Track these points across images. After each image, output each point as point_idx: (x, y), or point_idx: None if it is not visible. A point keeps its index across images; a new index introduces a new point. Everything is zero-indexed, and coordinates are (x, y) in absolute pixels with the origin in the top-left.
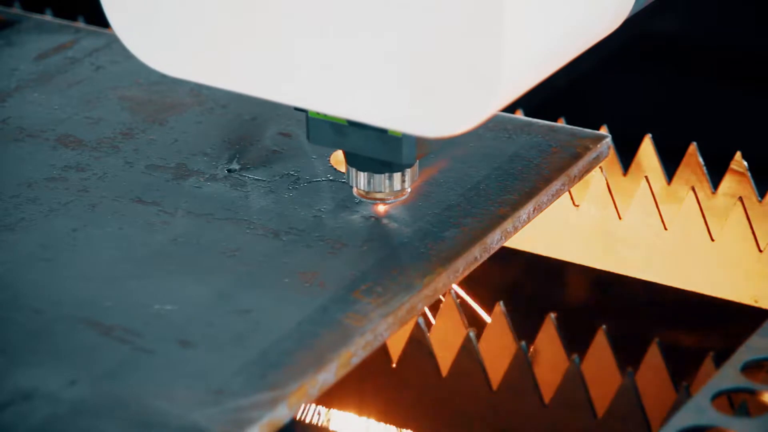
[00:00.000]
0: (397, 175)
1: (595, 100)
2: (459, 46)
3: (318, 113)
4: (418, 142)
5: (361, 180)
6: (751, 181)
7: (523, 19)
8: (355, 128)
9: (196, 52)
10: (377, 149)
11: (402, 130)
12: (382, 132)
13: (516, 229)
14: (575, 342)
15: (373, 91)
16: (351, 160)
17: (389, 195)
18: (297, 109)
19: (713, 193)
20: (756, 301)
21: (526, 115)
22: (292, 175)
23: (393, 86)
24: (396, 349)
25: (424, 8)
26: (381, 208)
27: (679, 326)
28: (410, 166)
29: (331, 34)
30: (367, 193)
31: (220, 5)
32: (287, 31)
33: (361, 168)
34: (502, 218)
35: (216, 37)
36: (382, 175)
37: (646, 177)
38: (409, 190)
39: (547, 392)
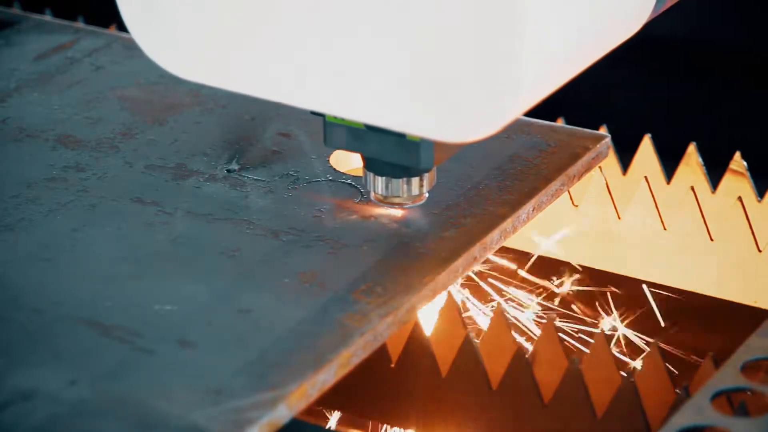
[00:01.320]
0: (415, 180)
1: (594, 100)
2: (478, 50)
3: (335, 117)
4: (438, 148)
5: (378, 184)
6: (751, 180)
7: (544, 24)
8: (373, 133)
9: (214, 55)
10: (395, 154)
11: (421, 135)
12: (400, 136)
13: (515, 229)
14: (575, 342)
15: (391, 96)
16: (368, 164)
17: (407, 200)
18: (314, 113)
19: (713, 192)
20: (756, 302)
21: (526, 114)
22: (291, 175)
23: (412, 90)
24: (396, 349)
25: (443, 12)
26: (398, 214)
27: (679, 326)
28: (428, 170)
29: (348, 38)
30: (385, 197)
31: (237, 9)
32: (304, 35)
33: (378, 173)
34: (502, 218)
35: (233, 41)
36: (400, 180)
37: (645, 177)
38: (427, 194)
39: (547, 392)
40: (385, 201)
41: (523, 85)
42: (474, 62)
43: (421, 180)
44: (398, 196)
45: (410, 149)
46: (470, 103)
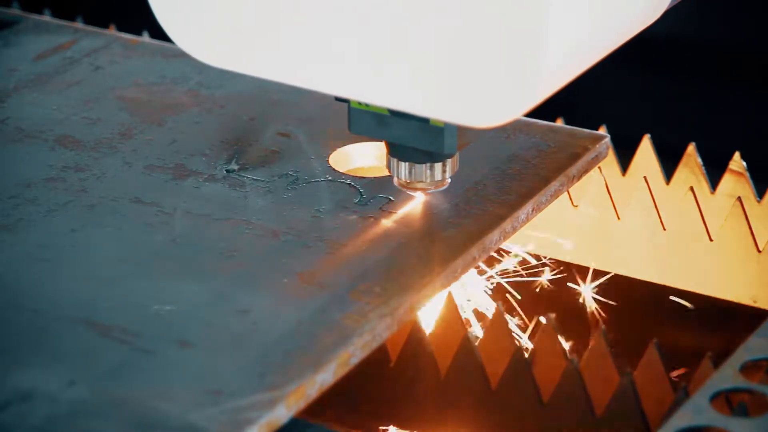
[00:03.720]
0: (438, 165)
1: (594, 100)
2: (502, 36)
3: (359, 103)
4: (461, 133)
5: (402, 170)
6: (750, 181)
7: (567, 10)
8: (397, 118)
9: (241, 41)
10: (419, 139)
11: (445, 120)
12: (423, 122)
13: (515, 230)
14: (575, 342)
15: (416, 81)
16: (392, 150)
17: (430, 185)
18: (338, 99)
19: (712, 193)
20: (755, 301)
21: (525, 115)
22: (290, 175)
23: (436, 75)
24: (396, 349)
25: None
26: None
27: (678, 326)
28: (452, 155)
29: (373, 24)
30: (408, 182)
31: None
32: (330, 21)
33: (402, 158)
34: (501, 218)
35: (259, 27)
36: (424, 165)
37: (644, 177)
38: (449, 180)
39: (546, 392)
40: (408, 186)
41: (546, 71)
42: (498, 47)
43: (444, 165)
44: (421, 181)
45: (434, 134)
46: (494, 88)
